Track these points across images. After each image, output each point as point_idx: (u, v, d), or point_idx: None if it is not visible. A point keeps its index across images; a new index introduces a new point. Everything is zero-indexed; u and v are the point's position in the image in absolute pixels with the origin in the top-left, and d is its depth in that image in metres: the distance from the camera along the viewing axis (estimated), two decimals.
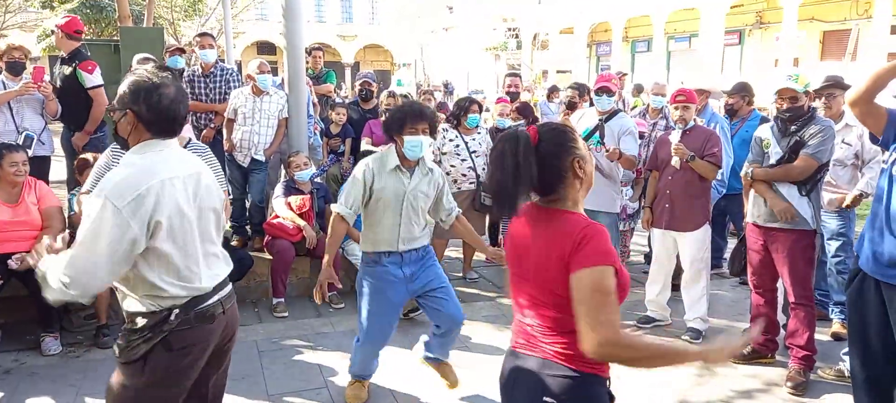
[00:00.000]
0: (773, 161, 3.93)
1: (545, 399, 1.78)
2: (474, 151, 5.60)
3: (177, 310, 2.05)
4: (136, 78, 2.09)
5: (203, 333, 2.13)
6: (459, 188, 5.59)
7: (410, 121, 3.30)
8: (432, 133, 3.44)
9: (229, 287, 2.28)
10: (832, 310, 4.77)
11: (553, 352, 1.79)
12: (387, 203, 3.35)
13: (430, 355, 3.74)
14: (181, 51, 6.38)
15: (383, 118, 5.80)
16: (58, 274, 1.90)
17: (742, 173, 4.10)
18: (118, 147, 2.99)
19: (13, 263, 3.95)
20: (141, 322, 2.04)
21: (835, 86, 4.56)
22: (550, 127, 1.91)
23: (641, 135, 5.73)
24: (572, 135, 1.88)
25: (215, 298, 2.17)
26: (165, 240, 2.00)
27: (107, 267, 1.90)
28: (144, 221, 1.94)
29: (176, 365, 2.09)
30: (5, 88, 5.14)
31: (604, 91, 4.87)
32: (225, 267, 2.27)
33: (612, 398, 1.88)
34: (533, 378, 1.82)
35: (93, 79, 5.40)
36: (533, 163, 1.76)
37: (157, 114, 2.04)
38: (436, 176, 3.53)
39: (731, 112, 5.77)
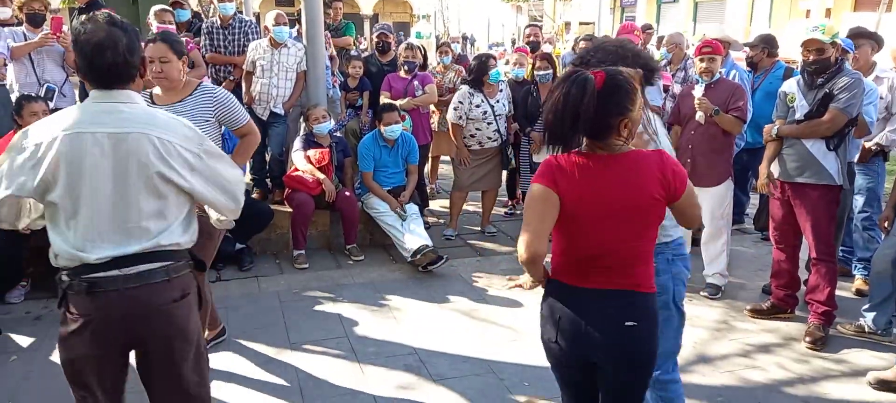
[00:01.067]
0: (798, 116, 3.84)
1: (627, 322, 1.99)
2: (499, 114, 5.57)
3: (66, 273, 1.94)
4: (76, 26, 2.02)
5: (93, 307, 1.93)
6: (482, 146, 5.56)
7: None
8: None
9: (146, 266, 1.97)
10: (855, 267, 4.72)
11: (636, 282, 2.01)
12: None
13: None
14: (180, 4, 6.37)
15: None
16: None
17: (765, 131, 4.00)
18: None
19: None
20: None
21: (860, 36, 4.42)
22: (616, 80, 1.92)
23: (665, 89, 5.64)
24: (633, 95, 1.93)
25: (113, 272, 1.93)
26: (60, 196, 1.90)
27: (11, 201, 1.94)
28: (37, 169, 1.88)
29: (70, 328, 1.96)
30: (25, 40, 5.16)
31: None
32: (148, 242, 1.96)
33: None
34: (620, 305, 2.00)
35: None
36: (592, 111, 1.85)
37: (83, 61, 1.94)
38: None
39: (752, 65, 5.63)
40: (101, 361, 2.02)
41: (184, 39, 5.55)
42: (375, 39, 6.59)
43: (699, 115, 4.29)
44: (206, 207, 2.21)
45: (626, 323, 1.99)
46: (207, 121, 3.16)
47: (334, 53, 6.42)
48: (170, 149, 1.97)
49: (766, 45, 5.59)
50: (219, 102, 3.21)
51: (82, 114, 1.93)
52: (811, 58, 3.75)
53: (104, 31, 1.93)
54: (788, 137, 3.87)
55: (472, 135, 5.59)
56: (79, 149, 1.88)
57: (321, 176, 5.10)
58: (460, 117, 5.54)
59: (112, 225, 1.93)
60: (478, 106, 5.51)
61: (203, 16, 6.46)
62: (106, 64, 1.93)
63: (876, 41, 4.80)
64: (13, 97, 5.03)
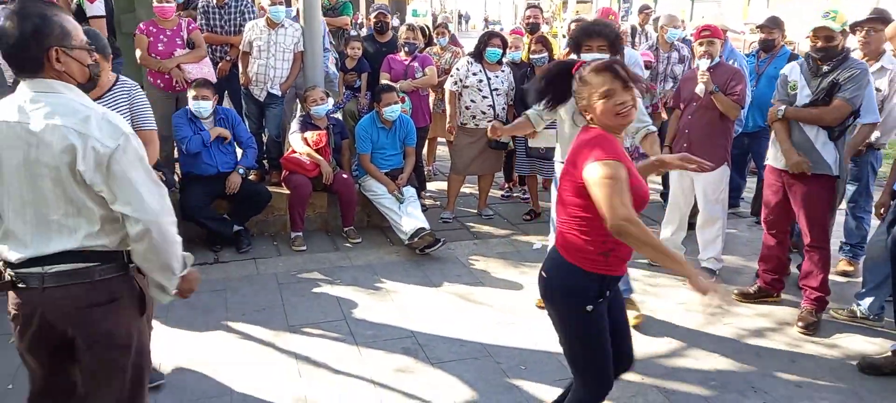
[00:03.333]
0: (800, 102, 3.84)
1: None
2: (496, 89, 5.54)
3: (1, 262, 1.93)
4: None
5: (18, 303, 1.94)
6: (477, 124, 5.55)
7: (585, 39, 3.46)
8: (613, 50, 3.44)
9: (66, 266, 1.89)
10: (841, 249, 4.79)
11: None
12: (564, 119, 3.59)
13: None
14: None
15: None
16: None
17: (771, 111, 3.98)
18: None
19: None
20: None
21: (878, 20, 4.38)
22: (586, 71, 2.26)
23: (648, 66, 5.65)
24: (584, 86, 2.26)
25: (35, 269, 1.88)
26: None
27: None
28: None
29: (11, 318, 1.98)
30: None
31: None
32: (68, 240, 1.88)
33: None
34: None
35: (93, 8, 5.26)
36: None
37: None
38: None
39: (766, 46, 5.59)
40: (33, 356, 2.05)
41: (185, 20, 5.53)
42: (373, 20, 6.54)
43: (700, 87, 4.28)
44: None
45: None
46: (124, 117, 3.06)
47: (331, 41, 6.36)
48: (85, 143, 1.83)
49: (777, 26, 5.55)
50: (133, 100, 3.13)
51: (8, 104, 1.89)
52: (819, 44, 3.73)
53: (11, 18, 1.85)
54: (793, 121, 3.85)
55: (466, 108, 5.57)
56: (1, 141, 1.85)
57: (318, 158, 5.10)
58: (456, 83, 5.54)
59: (32, 222, 1.88)
60: (475, 74, 5.50)
61: None
62: (4, 53, 1.87)
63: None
64: (8, 77, 4.99)
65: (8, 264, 1.92)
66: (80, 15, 5.37)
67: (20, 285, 1.91)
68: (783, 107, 3.85)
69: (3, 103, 1.90)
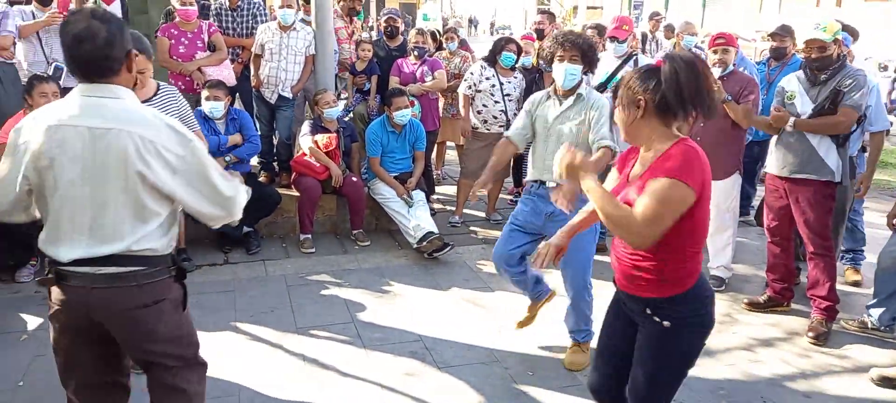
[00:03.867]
0: (800, 111, 3.84)
1: None
2: (508, 94, 5.55)
3: (47, 260, 1.97)
4: None
5: (62, 298, 1.95)
6: (488, 129, 5.55)
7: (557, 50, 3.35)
8: (585, 62, 3.35)
9: (116, 268, 1.93)
10: (842, 258, 4.78)
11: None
12: (538, 131, 3.45)
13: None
14: None
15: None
16: None
17: (777, 116, 3.95)
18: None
19: None
20: None
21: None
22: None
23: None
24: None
25: (85, 269, 1.91)
26: (40, 189, 1.92)
27: (4, 194, 1.94)
28: (20, 160, 1.90)
29: (51, 314, 2.02)
30: (34, 19, 5.17)
31: (613, 39, 4.91)
32: (119, 244, 1.92)
33: None
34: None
35: (110, 9, 5.37)
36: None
37: (65, 54, 1.91)
38: (590, 101, 3.37)
39: (777, 54, 5.57)
40: (73, 350, 2.07)
41: (206, 23, 5.58)
42: (383, 24, 6.55)
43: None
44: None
45: None
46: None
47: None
48: (151, 149, 1.89)
49: (791, 35, 5.54)
50: (180, 104, 3.17)
51: (67, 107, 1.91)
52: (813, 55, 3.77)
53: (85, 22, 1.87)
54: (798, 130, 3.84)
55: (478, 112, 5.58)
56: (60, 143, 1.87)
57: (327, 161, 5.11)
58: (470, 87, 5.55)
59: (86, 224, 1.90)
60: (488, 78, 5.52)
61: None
62: (84, 56, 1.88)
63: (851, 33, 4.79)
64: (22, 76, 5.06)
65: (56, 263, 1.94)
66: None
67: (69, 283, 1.93)
68: (792, 118, 3.84)
69: (62, 106, 1.92)
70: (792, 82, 3.94)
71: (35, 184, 1.92)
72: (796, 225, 3.98)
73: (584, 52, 3.32)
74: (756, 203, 6.18)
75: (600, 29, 6.52)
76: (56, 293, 1.98)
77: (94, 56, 1.88)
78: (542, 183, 3.40)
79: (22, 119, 1.97)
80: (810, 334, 3.86)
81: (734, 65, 4.45)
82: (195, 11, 5.40)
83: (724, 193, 4.44)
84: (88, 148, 1.86)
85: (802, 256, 4.48)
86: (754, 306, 4.24)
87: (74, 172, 1.87)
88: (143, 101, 2.99)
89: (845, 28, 4.43)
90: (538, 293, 3.61)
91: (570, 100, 3.36)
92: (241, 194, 2.13)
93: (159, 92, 3.14)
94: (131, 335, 2.03)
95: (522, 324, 3.69)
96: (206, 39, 5.40)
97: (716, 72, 4.29)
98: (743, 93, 4.26)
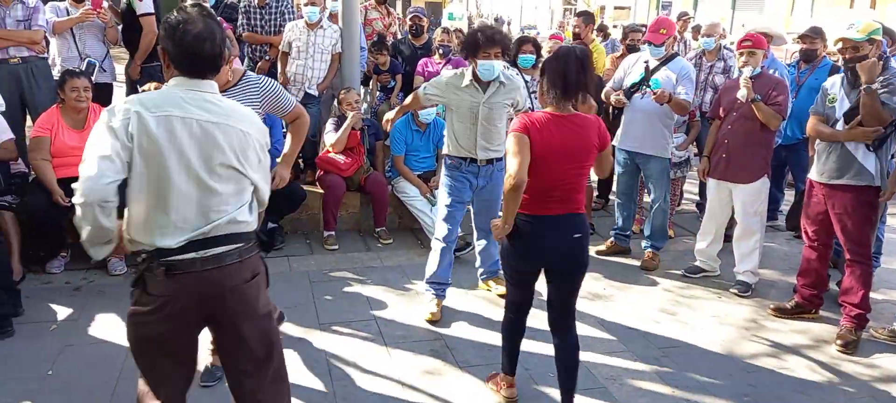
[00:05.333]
0: (838, 115, 3.76)
1: (576, 235, 2.83)
2: (534, 92, 5.51)
3: (144, 255, 2.00)
4: (170, 15, 2.07)
5: (170, 287, 1.99)
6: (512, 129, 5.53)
7: (484, 46, 3.69)
8: (505, 55, 3.84)
9: (222, 248, 2.04)
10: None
11: (581, 205, 2.86)
12: (462, 115, 3.84)
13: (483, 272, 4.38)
14: None
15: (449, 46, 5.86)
16: (78, 183, 1.91)
17: (812, 128, 3.88)
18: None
19: None
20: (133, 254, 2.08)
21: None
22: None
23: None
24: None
25: (191, 255, 1.99)
26: (146, 177, 1.94)
27: (110, 169, 1.89)
28: (127, 146, 1.90)
29: (147, 308, 2.02)
30: (68, 15, 5.27)
31: (649, 43, 4.84)
32: (225, 226, 2.04)
33: None
34: (582, 223, 2.85)
35: (143, 5, 5.40)
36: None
37: (179, 51, 1.99)
38: (512, 85, 3.92)
39: (808, 57, 5.48)
40: (174, 339, 2.11)
41: (219, 20, 5.64)
42: (408, 22, 6.58)
43: (741, 92, 4.18)
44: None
45: (574, 236, 2.82)
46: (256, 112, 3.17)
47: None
48: (249, 141, 2.07)
49: (819, 35, 5.44)
50: (266, 92, 3.16)
51: (170, 99, 1.97)
52: (846, 56, 3.68)
53: (202, 22, 1.99)
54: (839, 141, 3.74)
55: None
56: (169, 132, 1.93)
57: (340, 158, 5.13)
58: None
59: (195, 209, 1.99)
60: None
61: None
62: (204, 54, 1.99)
63: (891, 37, 4.66)
64: (55, 71, 5.16)
65: (161, 253, 1.98)
66: (130, 13, 5.53)
67: (178, 271, 1.99)
68: (827, 130, 3.77)
69: (166, 97, 1.98)
70: (835, 86, 3.86)
71: (138, 173, 1.94)
72: (835, 231, 3.90)
73: (505, 47, 3.79)
74: (784, 207, 6.09)
75: (587, 17, 6.57)
76: (161, 285, 1.99)
77: (213, 53, 2.02)
78: (474, 160, 3.90)
79: (111, 109, 1.95)
80: (839, 342, 3.79)
81: (763, 66, 4.38)
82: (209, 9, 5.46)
83: (751, 197, 4.38)
84: (197, 138, 1.96)
85: (834, 264, 4.41)
86: (781, 312, 4.17)
87: (184, 161, 1.95)
88: (223, 90, 3.02)
89: (886, 32, 4.29)
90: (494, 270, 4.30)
91: (494, 87, 3.82)
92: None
93: (242, 80, 3.16)
94: (238, 312, 2.11)
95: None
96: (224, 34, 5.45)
97: (747, 70, 4.22)
98: (771, 95, 4.19)
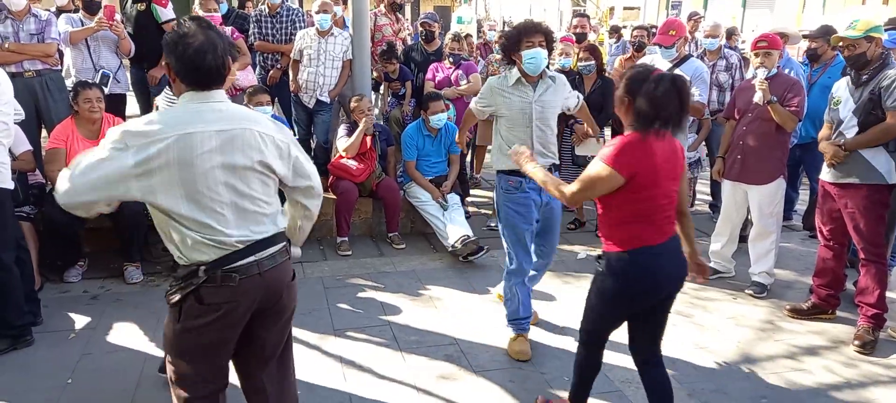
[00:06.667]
0: (843, 115, 3.74)
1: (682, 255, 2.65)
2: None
3: (203, 267, 2.03)
4: (170, 32, 2.10)
5: (234, 293, 2.05)
6: None
7: (526, 35, 3.41)
8: (549, 46, 3.50)
9: (273, 248, 2.13)
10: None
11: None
12: (513, 119, 3.49)
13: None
14: None
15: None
16: (63, 176, 1.94)
17: (825, 141, 3.84)
18: (169, 91, 2.93)
19: None
20: (179, 271, 2.11)
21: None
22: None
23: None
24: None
25: (250, 259, 2.06)
26: (180, 199, 1.96)
27: (94, 189, 1.91)
28: (146, 169, 1.91)
29: (206, 319, 2.06)
30: (83, 26, 5.33)
31: (659, 45, 4.86)
32: (269, 226, 2.13)
33: None
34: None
35: (166, 13, 5.52)
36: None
37: (183, 65, 2.01)
38: (561, 81, 3.63)
39: (813, 57, 5.46)
40: (228, 344, 2.18)
41: (229, 28, 5.69)
42: (420, 28, 6.60)
43: (758, 96, 4.16)
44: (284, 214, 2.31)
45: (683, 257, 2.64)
46: None
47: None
48: (268, 141, 2.11)
49: (829, 35, 5.40)
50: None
51: (184, 115, 1.99)
52: (845, 54, 3.69)
53: (202, 35, 2.01)
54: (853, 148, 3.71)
55: None
56: (190, 149, 1.94)
57: (353, 163, 5.15)
58: None
59: (234, 215, 2.04)
60: None
61: (252, 5, 6.55)
62: (206, 66, 2.01)
63: None
64: (69, 82, 5.22)
65: (223, 260, 2.03)
66: (140, 21, 5.59)
67: (238, 277, 2.04)
68: (842, 140, 3.73)
69: (180, 114, 2.00)
70: (841, 87, 3.84)
71: (173, 195, 1.96)
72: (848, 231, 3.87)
73: (547, 37, 3.47)
74: (799, 207, 6.05)
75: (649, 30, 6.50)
76: (224, 293, 2.04)
77: (217, 65, 2.04)
78: None
79: (121, 128, 1.96)
80: (856, 342, 3.76)
81: (779, 66, 4.35)
82: (219, 18, 5.52)
83: (767, 197, 4.35)
84: (220, 148, 1.99)
85: (851, 264, 4.37)
86: (797, 313, 4.14)
87: (211, 172, 1.99)
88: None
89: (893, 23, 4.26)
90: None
91: (543, 85, 3.51)
92: (315, 169, 2.34)
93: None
94: (287, 308, 2.25)
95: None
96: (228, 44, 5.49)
97: (762, 73, 4.20)
98: (787, 96, 4.16)
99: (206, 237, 2.01)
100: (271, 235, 2.13)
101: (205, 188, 1.98)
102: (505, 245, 3.62)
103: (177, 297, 2.07)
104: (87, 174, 1.91)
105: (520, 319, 3.65)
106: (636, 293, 2.54)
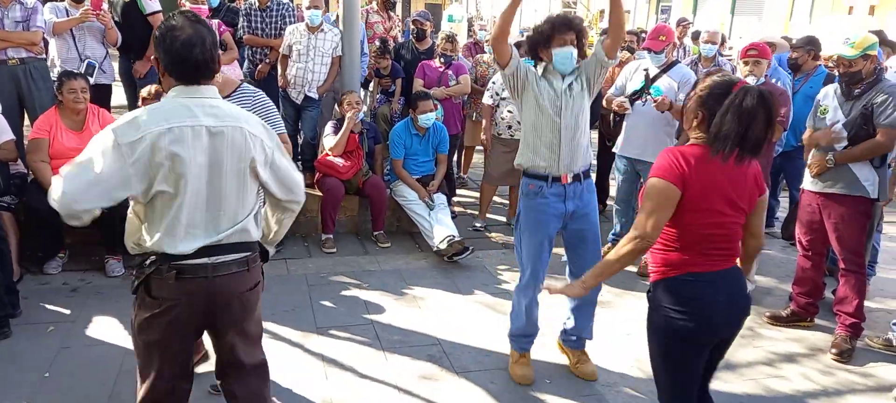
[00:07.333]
0: (830, 124, 3.78)
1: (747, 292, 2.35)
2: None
3: (151, 258, 2.00)
4: (159, 25, 2.07)
5: (178, 293, 2.01)
6: (513, 135, 5.52)
7: (559, 31, 3.11)
8: (580, 44, 3.17)
9: (232, 256, 2.08)
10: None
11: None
12: (542, 109, 3.14)
13: (567, 336, 3.53)
14: None
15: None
16: (56, 185, 1.90)
17: (819, 160, 3.85)
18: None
19: None
20: (135, 259, 2.08)
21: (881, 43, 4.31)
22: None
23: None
24: None
25: (201, 261, 2.02)
26: (162, 189, 1.94)
27: (93, 193, 1.88)
28: (141, 167, 1.89)
29: (155, 313, 2.04)
30: (67, 15, 5.27)
31: (648, 50, 4.86)
32: (235, 233, 2.07)
33: None
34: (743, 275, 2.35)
35: (152, 4, 5.48)
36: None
37: (170, 58, 1.98)
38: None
39: (794, 67, 5.53)
40: (177, 343, 2.13)
41: (216, 22, 5.65)
42: (412, 26, 6.59)
43: None
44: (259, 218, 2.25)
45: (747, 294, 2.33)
46: None
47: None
48: (255, 143, 2.07)
49: (812, 46, 5.48)
50: (256, 107, 3.10)
51: (177, 109, 1.97)
52: (841, 70, 3.72)
53: (191, 28, 1.99)
54: (833, 145, 3.75)
55: (502, 118, 5.57)
56: (181, 143, 1.92)
57: (339, 161, 5.14)
58: (493, 96, 5.55)
59: (206, 216, 2.01)
60: None
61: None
62: (194, 60, 1.98)
63: (891, 48, 4.67)
64: (54, 72, 5.17)
65: (172, 258, 2.00)
66: (127, 13, 5.54)
67: (187, 276, 2.01)
68: (831, 155, 3.75)
69: (169, 109, 1.97)
70: (828, 96, 3.88)
71: (148, 186, 1.93)
72: (830, 240, 3.92)
73: (578, 32, 3.17)
74: (780, 214, 6.11)
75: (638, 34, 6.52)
76: (168, 289, 2.01)
77: (205, 58, 2.00)
78: (558, 179, 3.18)
79: (113, 126, 1.93)
80: (834, 350, 3.81)
81: (766, 76, 4.39)
82: (207, 10, 5.48)
83: None
84: (208, 145, 1.97)
85: (829, 272, 4.42)
86: (777, 320, 4.19)
87: (197, 169, 1.96)
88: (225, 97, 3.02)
89: (884, 42, 4.31)
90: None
91: (571, 78, 3.18)
92: (301, 178, 2.32)
93: (237, 91, 3.08)
94: (239, 318, 2.17)
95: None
96: (217, 39, 5.47)
97: (750, 81, 4.23)
98: None
99: (163, 230, 1.98)
100: (233, 243, 2.08)
101: (182, 184, 1.94)
102: (517, 256, 3.40)
103: (135, 285, 2.07)
104: (89, 185, 1.87)
105: (524, 336, 3.43)
106: (686, 325, 2.18)
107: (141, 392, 2.18)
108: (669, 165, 2.15)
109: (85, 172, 1.88)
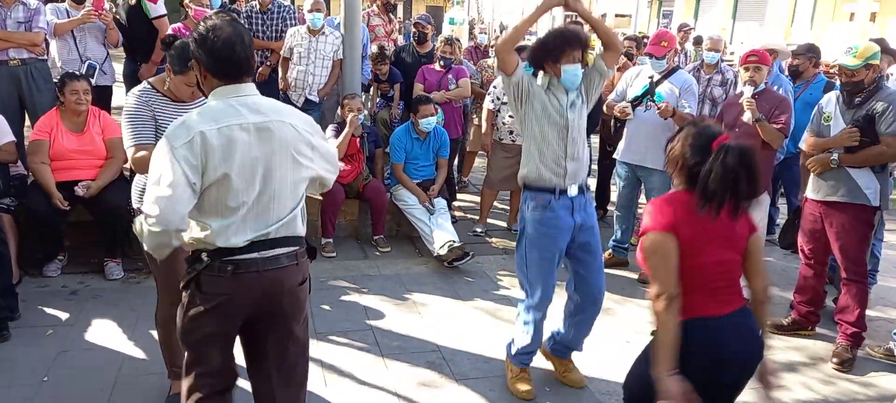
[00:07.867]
0: (832, 134, 3.78)
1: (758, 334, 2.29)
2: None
3: (205, 254, 2.05)
4: (198, 27, 2.10)
5: (231, 286, 2.05)
6: (514, 140, 5.50)
7: (571, 46, 3.03)
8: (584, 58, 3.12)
9: (281, 250, 2.11)
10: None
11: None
12: (551, 121, 3.07)
13: (557, 345, 3.44)
14: None
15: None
16: (142, 219, 1.96)
17: (822, 159, 3.85)
18: (149, 87, 2.87)
19: (79, 190, 4.16)
20: (189, 256, 2.14)
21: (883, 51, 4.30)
22: None
23: None
24: None
25: (253, 255, 2.05)
26: (216, 187, 1.99)
27: (178, 203, 1.92)
28: (195, 165, 1.93)
29: (204, 307, 2.07)
30: (68, 17, 5.26)
31: (650, 55, 4.84)
32: (283, 227, 2.11)
33: None
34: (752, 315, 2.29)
35: (157, 8, 5.47)
36: None
37: (213, 58, 2.03)
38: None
39: (795, 74, 5.52)
40: (227, 337, 2.17)
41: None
42: (413, 30, 6.58)
43: (747, 115, 4.19)
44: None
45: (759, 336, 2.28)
46: None
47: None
48: (301, 135, 2.12)
49: (812, 53, 5.47)
50: None
51: (224, 109, 2.01)
52: (843, 79, 3.72)
53: (230, 27, 2.03)
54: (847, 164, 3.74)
55: (503, 123, 5.56)
56: (230, 141, 1.97)
57: (340, 164, 5.12)
58: (494, 101, 5.54)
59: (257, 211, 2.05)
60: None
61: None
62: (236, 58, 2.03)
63: (893, 56, 4.66)
64: (54, 73, 5.15)
65: (222, 251, 2.03)
66: (133, 15, 5.53)
67: (241, 271, 2.04)
68: (835, 155, 3.74)
69: (216, 109, 2.01)
70: (830, 104, 3.87)
71: (205, 186, 1.98)
72: (832, 249, 3.91)
73: (583, 48, 3.11)
74: (780, 221, 6.09)
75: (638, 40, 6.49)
76: (221, 284, 2.05)
77: (246, 55, 2.05)
78: (564, 191, 3.12)
79: (176, 129, 1.97)
80: (835, 360, 3.80)
81: (767, 83, 4.38)
82: (208, 12, 5.47)
83: (752, 213, 4.37)
84: (256, 141, 2.01)
85: (831, 280, 4.41)
86: (777, 328, 4.17)
87: (247, 166, 2.00)
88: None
89: (885, 51, 4.30)
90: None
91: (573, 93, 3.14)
92: (334, 145, 2.35)
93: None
94: (289, 313, 2.19)
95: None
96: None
97: (748, 91, 4.23)
98: (774, 113, 4.20)
99: (216, 229, 2.02)
100: (283, 237, 2.11)
101: (233, 179, 1.98)
102: (520, 273, 3.26)
103: (187, 278, 2.10)
104: (171, 196, 1.90)
105: (527, 353, 3.34)
106: (692, 371, 2.09)
107: (186, 384, 2.20)
108: (657, 216, 2.13)
109: (161, 191, 1.91)
